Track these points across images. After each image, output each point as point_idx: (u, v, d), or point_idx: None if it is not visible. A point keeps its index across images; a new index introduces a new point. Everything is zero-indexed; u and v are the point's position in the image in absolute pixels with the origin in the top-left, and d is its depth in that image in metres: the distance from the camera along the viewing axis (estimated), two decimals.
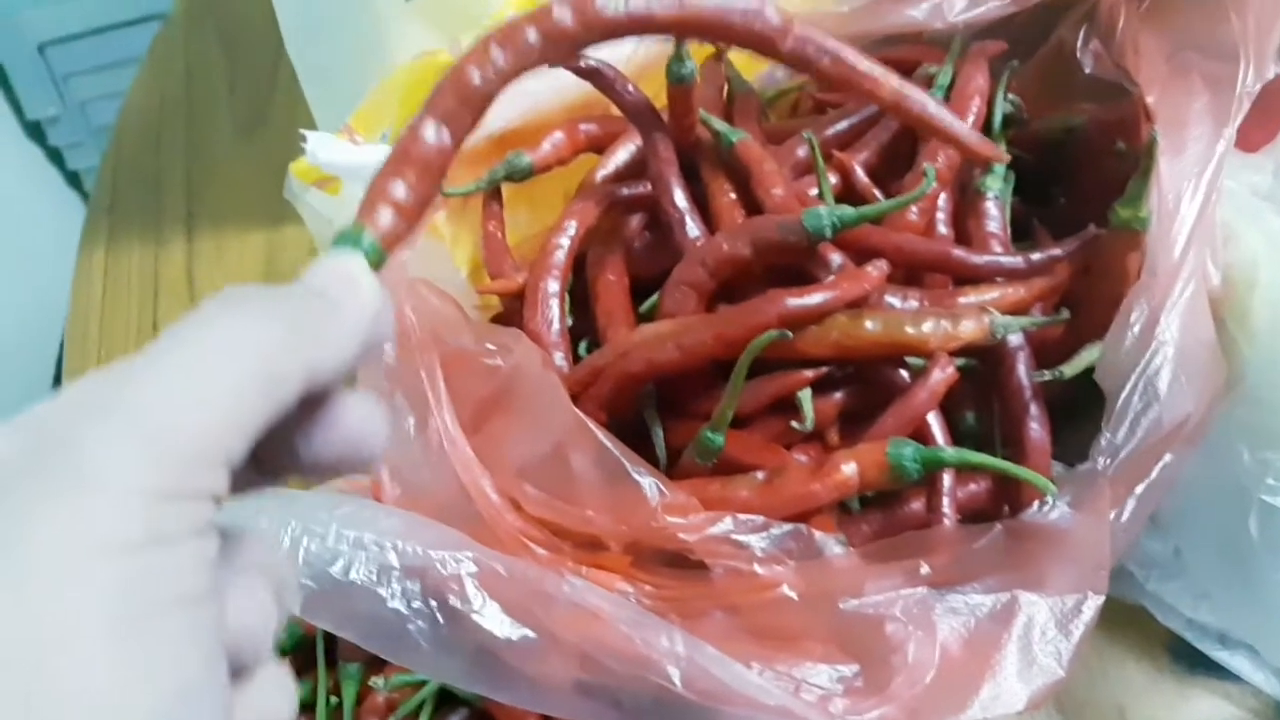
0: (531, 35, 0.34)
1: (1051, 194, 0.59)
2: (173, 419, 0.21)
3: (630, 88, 0.53)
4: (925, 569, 0.38)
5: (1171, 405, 0.38)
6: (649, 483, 0.39)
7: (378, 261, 0.29)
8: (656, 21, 0.37)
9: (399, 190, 0.30)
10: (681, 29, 0.38)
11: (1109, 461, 0.38)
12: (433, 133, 0.32)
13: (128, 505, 0.20)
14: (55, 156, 1.66)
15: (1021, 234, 0.55)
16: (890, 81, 0.42)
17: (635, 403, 0.47)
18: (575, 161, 0.58)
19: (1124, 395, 0.39)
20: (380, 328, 0.27)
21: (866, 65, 0.42)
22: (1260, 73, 0.47)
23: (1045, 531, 0.38)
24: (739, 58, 0.64)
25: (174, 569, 0.21)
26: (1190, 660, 0.53)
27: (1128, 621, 0.53)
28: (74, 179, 1.67)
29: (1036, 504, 0.38)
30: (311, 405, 0.25)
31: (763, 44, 0.39)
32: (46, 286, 1.20)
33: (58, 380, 1.12)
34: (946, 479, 0.42)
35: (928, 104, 0.44)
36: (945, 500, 0.42)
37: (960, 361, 0.46)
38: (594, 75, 0.52)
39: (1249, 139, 0.53)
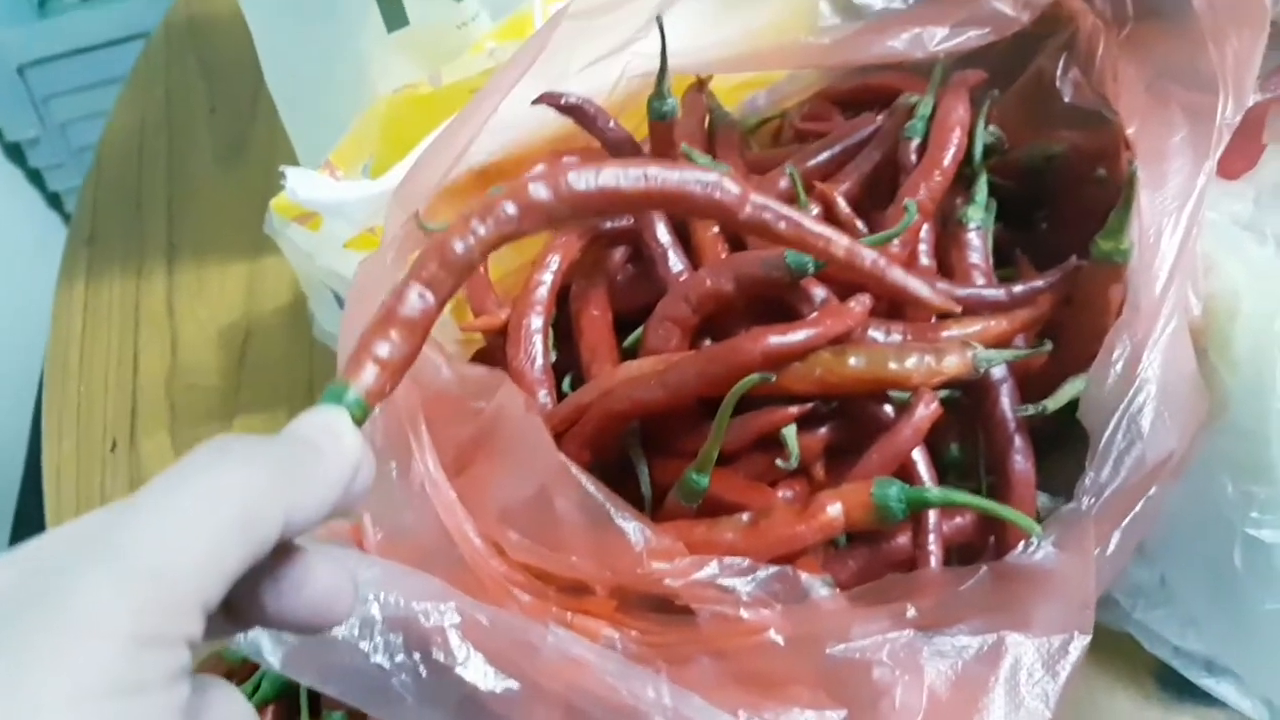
0: (510, 209, 0.38)
1: (1034, 220, 0.60)
2: (156, 565, 0.22)
3: (611, 123, 0.53)
4: (912, 612, 0.38)
5: (1155, 443, 0.38)
6: (633, 528, 0.39)
7: (361, 417, 0.31)
8: (624, 195, 0.40)
9: (383, 349, 0.33)
10: (647, 201, 0.41)
11: (1093, 500, 0.38)
12: (417, 297, 0.35)
13: (109, 650, 0.21)
14: (35, 178, 1.65)
15: (1005, 260, 0.55)
16: (841, 242, 0.44)
17: (620, 440, 0.47)
18: None
19: (1107, 434, 0.39)
20: (361, 480, 0.28)
21: (819, 228, 0.44)
22: (1239, 104, 0.47)
23: (1030, 572, 0.38)
24: (721, 85, 0.64)
25: (146, 714, 0.21)
26: (1177, 687, 0.53)
27: (1115, 649, 0.53)
28: (54, 200, 1.66)
29: (1021, 545, 0.38)
30: (283, 558, 0.26)
31: (723, 213, 0.42)
32: (26, 309, 1.19)
33: (38, 410, 1.11)
34: (932, 517, 0.42)
35: (879, 261, 0.45)
36: (931, 538, 0.42)
37: (944, 394, 0.46)
38: (575, 111, 0.52)
39: (1230, 166, 0.53)
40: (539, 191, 0.39)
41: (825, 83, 0.68)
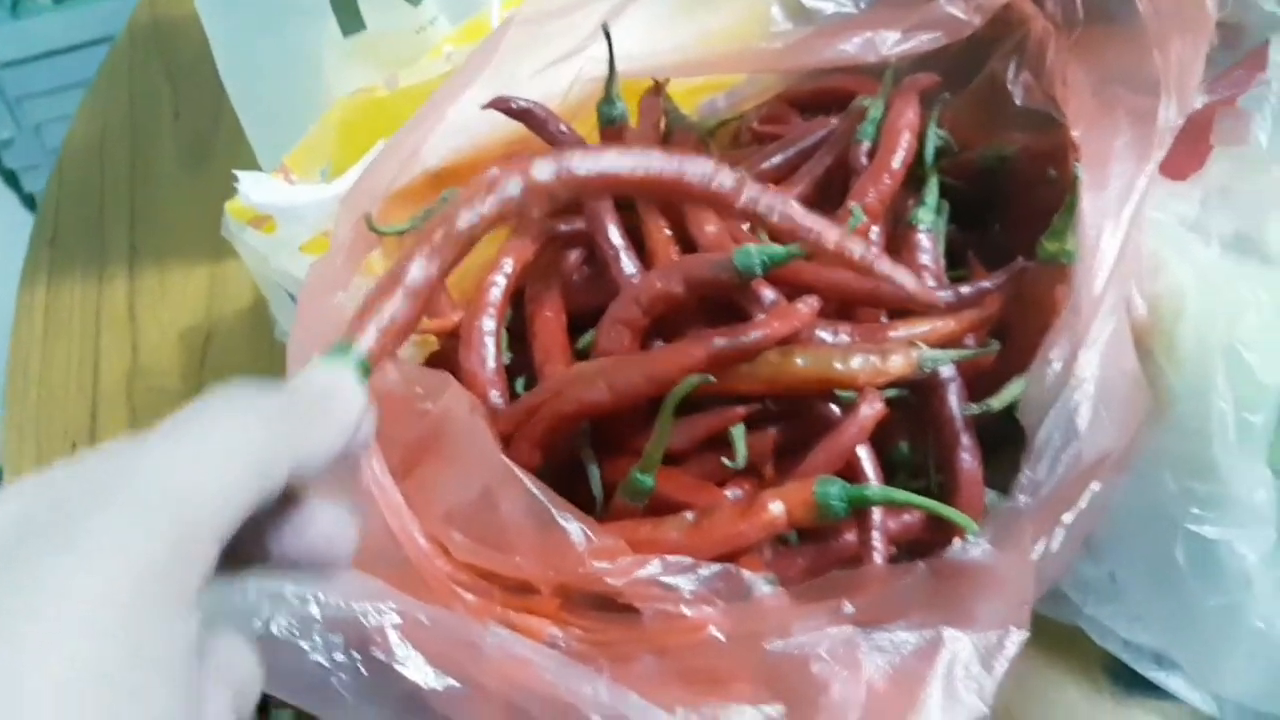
0: (514, 187, 0.41)
1: (988, 221, 0.60)
2: (174, 491, 0.23)
3: (563, 127, 0.53)
4: (851, 608, 0.38)
5: (1092, 441, 0.39)
6: (575, 528, 0.39)
7: (365, 373, 0.33)
8: (623, 180, 0.43)
9: (385, 313, 0.36)
10: (645, 187, 0.44)
11: (1029, 499, 0.39)
12: (420, 266, 0.38)
13: (124, 575, 0.21)
14: (11, 179, 1.64)
15: (958, 261, 0.56)
16: (831, 234, 0.45)
17: (571, 441, 0.47)
18: None
19: (1043, 433, 0.39)
20: (363, 433, 0.30)
21: (812, 219, 0.45)
22: (1182, 108, 0.48)
23: (968, 569, 0.38)
24: (680, 88, 0.64)
25: (159, 642, 0.21)
26: (1128, 681, 0.53)
27: (1066, 644, 0.54)
28: (30, 201, 1.66)
29: (959, 542, 0.39)
30: (286, 503, 0.27)
31: (718, 201, 0.44)
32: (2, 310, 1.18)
33: None
34: (876, 514, 0.43)
35: (869, 252, 0.46)
36: (875, 535, 0.42)
37: (892, 393, 0.47)
38: (525, 116, 0.52)
39: (1178, 168, 0.54)
40: (542, 172, 0.41)
41: (784, 86, 0.68)
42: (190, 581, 0.22)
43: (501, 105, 0.52)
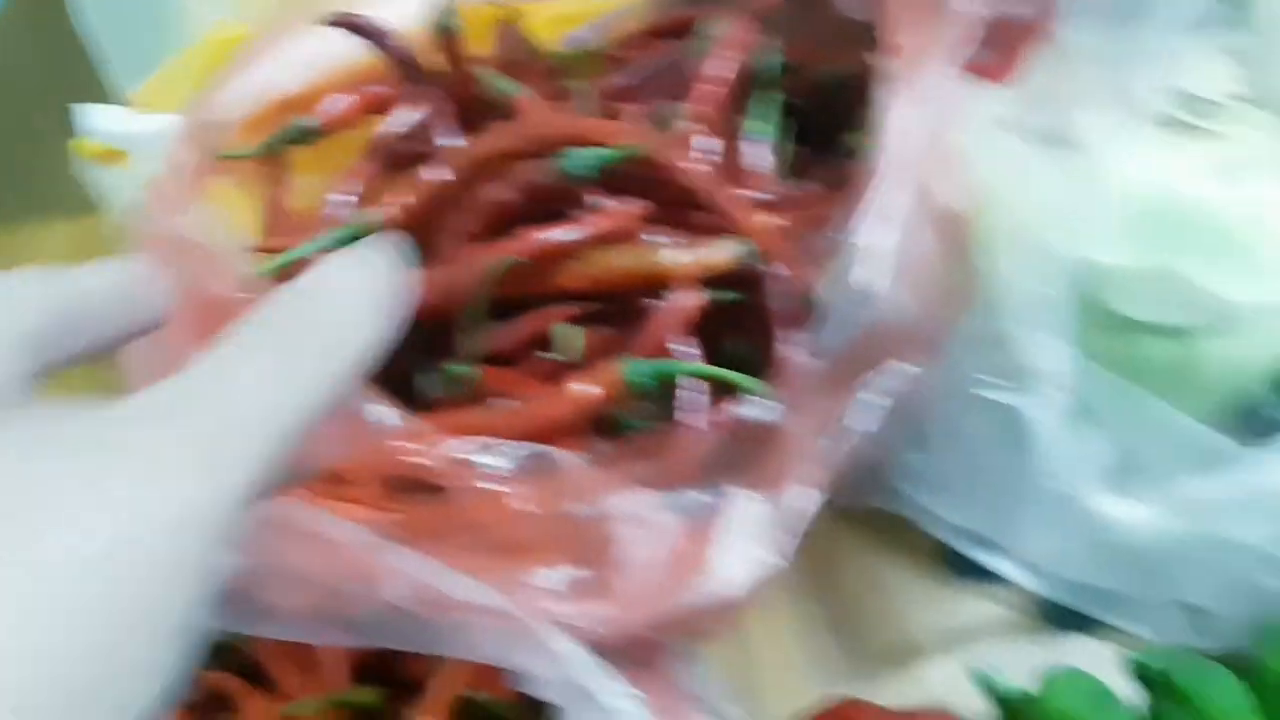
0: None
1: (837, 140, 0.62)
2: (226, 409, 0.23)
3: (402, 44, 0.54)
4: (653, 473, 0.40)
5: (883, 309, 0.41)
6: (385, 413, 0.40)
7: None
8: None
9: None
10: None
11: (818, 363, 0.40)
12: None
13: (173, 478, 0.21)
14: None
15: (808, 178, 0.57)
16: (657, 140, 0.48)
17: (408, 343, 0.48)
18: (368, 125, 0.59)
19: (833, 300, 0.41)
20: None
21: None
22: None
23: (762, 432, 0.40)
24: (541, 18, 0.66)
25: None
26: (961, 567, 0.56)
27: (902, 536, 0.56)
28: None
29: (750, 403, 0.40)
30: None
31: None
32: None
33: None
34: (691, 394, 0.44)
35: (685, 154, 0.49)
36: (690, 413, 0.44)
37: (727, 295, 0.48)
38: (362, 30, 0.53)
39: (991, 72, 0.56)
40: None
41: (650, 16, 0.70)
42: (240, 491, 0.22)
43: (341, 22, 0.53)
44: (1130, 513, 0.50)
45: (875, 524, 0.57)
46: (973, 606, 0.55)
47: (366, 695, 0.44)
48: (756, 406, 0.40)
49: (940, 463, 0.53)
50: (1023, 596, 0.54)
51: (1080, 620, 0.53)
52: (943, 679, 0.53)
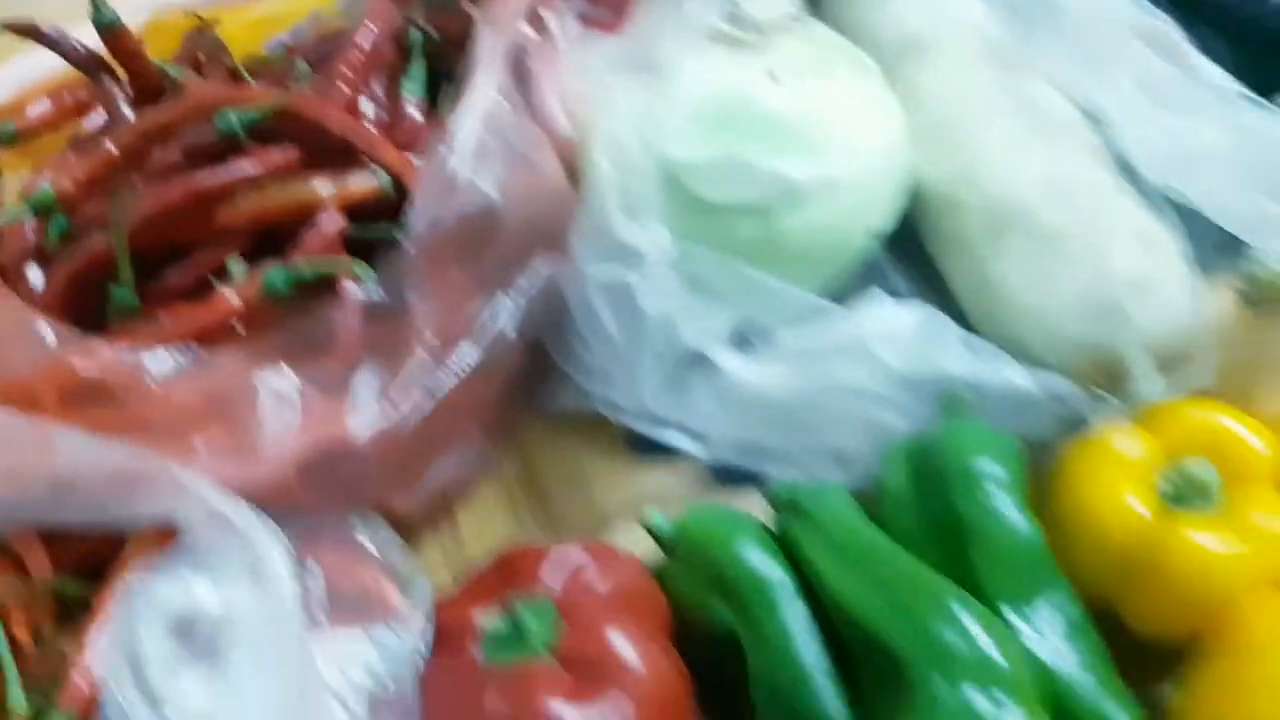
0: None
1: None
2: None
3: (77, 44, 0.60)
4: (300, 355, 0.47)
5: (469, 197, 0.49)
6: (49, 332, 0.46)
7: None
8: None
9: None
10: None
11: (408, 243, 0.49)
12: None
13: None
14: None
15: None
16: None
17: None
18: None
19: (420, 190, 0.49)
20: None
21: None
22: None
23: (378, 310, 0.48)
24: (238, 24, 0.73)
25: None
26: (645, 446, 0.63)
27: (592, 427, 0.63)
28: None
29: (358, 287, 0.48)
30: None
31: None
32: None
33: None
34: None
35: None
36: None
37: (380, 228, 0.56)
38: (37, 35, 0.59)
39: (605, 25, 0.66)
40: None
41: (340, 24, 0.78)
42: None
43: (15, 29, 0.59)
44: (757, 370, 0.59)
45: (573, 422, 0.64)
46: (655, 478, 0.63)
47: (71, 586, 0.48)
48: (367, 290, 0.48)
49: (597, 352, 0.61)
50: (696, 467, 0.62)
51: (746, 476, 0.61)
52: (630, 542, 0.60)
